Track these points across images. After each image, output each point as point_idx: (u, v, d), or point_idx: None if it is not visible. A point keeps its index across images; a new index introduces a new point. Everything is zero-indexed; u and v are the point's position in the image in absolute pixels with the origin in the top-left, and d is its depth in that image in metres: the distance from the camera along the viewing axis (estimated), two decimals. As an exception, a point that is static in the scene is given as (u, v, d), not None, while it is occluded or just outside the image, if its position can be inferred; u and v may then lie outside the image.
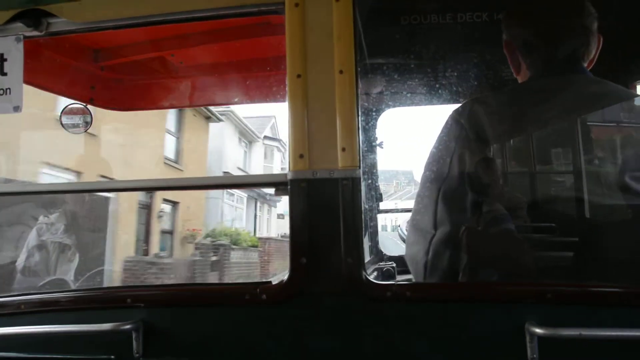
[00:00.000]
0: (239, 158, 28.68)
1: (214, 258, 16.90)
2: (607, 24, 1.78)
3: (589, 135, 1.86)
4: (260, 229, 32.19)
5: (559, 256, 1.77)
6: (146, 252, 16.64)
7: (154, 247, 17.53)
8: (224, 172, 23.70)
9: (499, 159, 1.98)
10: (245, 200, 29.33)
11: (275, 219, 35.89)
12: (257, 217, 31.87)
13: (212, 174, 21.59)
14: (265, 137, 32.50)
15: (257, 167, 30.87)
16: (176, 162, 19.16)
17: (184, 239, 19.15)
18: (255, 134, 29.63)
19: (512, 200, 1.85)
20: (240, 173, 26.66)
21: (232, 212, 27.17)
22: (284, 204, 32.92)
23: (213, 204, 23.19)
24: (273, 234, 31.33)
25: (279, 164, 35.63)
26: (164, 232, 18.54)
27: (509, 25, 1.92)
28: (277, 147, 34.64)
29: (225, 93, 3.13)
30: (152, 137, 16.79)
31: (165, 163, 18.27)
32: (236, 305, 1.60)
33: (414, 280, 1.99)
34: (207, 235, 19.39)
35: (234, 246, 19.01)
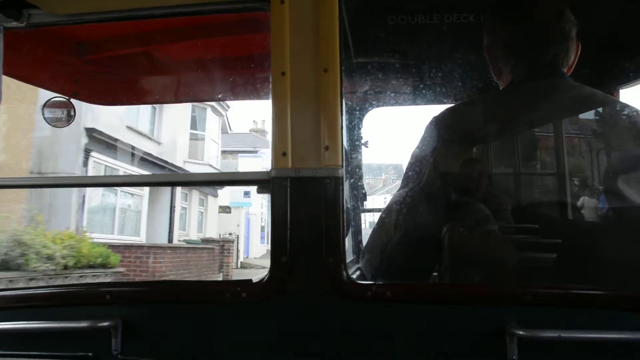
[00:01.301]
0: (138, 117, 18.86)
1: None
2: (588, 30, 1.80)
3: (571, 138, 1.88)
4: (188, 228, 22.61)
5: (543, 257, 1.79)
6: None
7: None
8: (87, 129, 15.25)
9: (482, 161, 1.99)
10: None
11: (215, 214, 25.45)
12: (175, 209, 20.51)
13: (55, 133, 13.44)
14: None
15: (175, 134, 20.79)
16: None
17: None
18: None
19: (496, 201, 1.86)
20: (133, 136, 18.04)
21: (112, 200, 17.37)
22: (228, 192, 25.20)
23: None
24: (212, 234, 22.92)
25: (217, 135, 24.65)
26: None
27: (490, 30, 1.94)
28: (212, 108, 23.36)
29: (210, 89, 3.12)
30: None
31: None
32: (216, 303, 1.59)
33: (364, 268, 2.02)
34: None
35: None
